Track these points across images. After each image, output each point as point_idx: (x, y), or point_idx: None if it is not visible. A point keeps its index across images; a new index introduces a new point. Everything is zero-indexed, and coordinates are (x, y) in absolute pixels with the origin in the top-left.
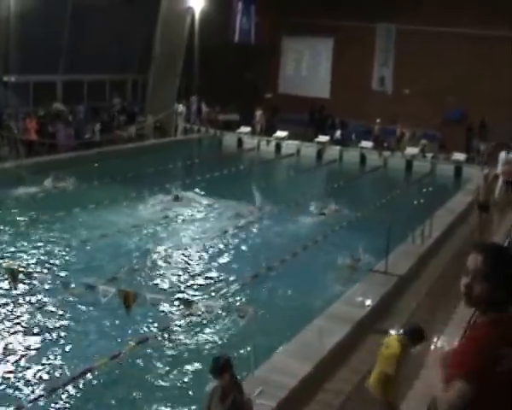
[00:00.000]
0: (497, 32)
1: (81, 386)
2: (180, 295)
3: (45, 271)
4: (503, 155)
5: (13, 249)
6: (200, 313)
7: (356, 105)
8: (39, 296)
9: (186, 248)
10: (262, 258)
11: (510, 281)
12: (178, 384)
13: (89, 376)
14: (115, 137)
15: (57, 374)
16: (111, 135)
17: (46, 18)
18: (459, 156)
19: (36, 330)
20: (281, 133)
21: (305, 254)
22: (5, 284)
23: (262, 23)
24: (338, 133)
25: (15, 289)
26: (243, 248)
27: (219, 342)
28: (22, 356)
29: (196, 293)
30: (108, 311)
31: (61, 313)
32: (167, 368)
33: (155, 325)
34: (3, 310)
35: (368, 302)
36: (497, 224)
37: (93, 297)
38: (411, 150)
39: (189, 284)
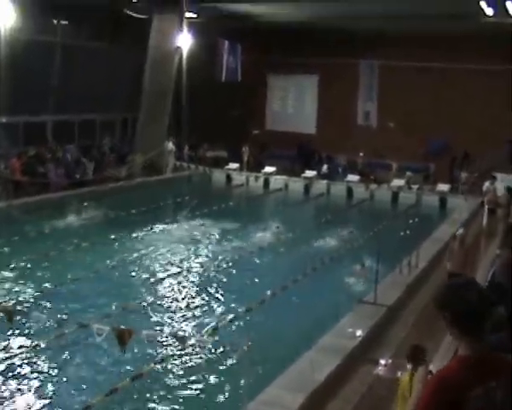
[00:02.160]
0: (479, 66)
1: None
2: (173, 330)
3: (37, 310)
4: (487, 184)
5: (7, 287)
6: (192, 348)
7: (342, 140)
8: (32, 336)
9: (177, 283)
10: (253, 291)
11: (458, 319)
12: None
13: None
14: (106, 177)
15: None
16: (102, 174)
17: (35, 59)
18: (443, 187)
19: (29, 369)
20: (269, 169)
21: (295, 287)
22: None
23: (248, 62)
24: (325, 168)
25: (11, 328)
26: (234, 281)
27: (212, 377)
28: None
29: (188, 327)
30: (101, 348)
31: (55, 351)
32: (159, 404)
33: (148, 358)
34: None
35: (358, 333)
36: (482, 252)
37: (87, 335)
38: (397, 182)
39: (180, 318)
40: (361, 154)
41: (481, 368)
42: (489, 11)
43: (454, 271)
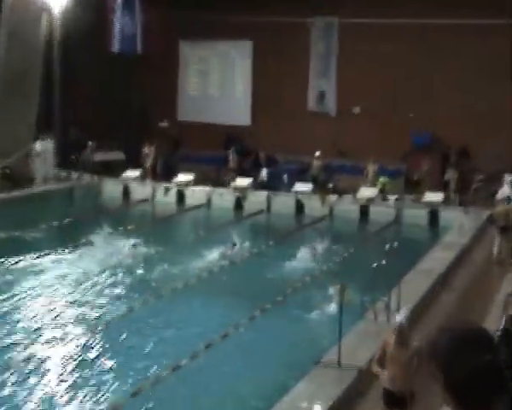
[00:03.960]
0: (477, 20)
1: None
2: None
3: None
4: (504, 190)
5: None
6: None
7: (287, 134)
8: None
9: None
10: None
11: (455, 388)
12: None
13: None
14: None
15: None
16: None
17: None
18: (433, 196)
19: None
20: (184, 177)
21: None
22: None
23: (151, 24)
24: (264, 174)
25: None
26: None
27: None
28: None
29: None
30: None
31: None
32: None
33: None
34: None
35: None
36: (492, 289)
37: None
38: (366, 192)
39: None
40: (317, 153)
41: None
42: None
43: (388, 388)
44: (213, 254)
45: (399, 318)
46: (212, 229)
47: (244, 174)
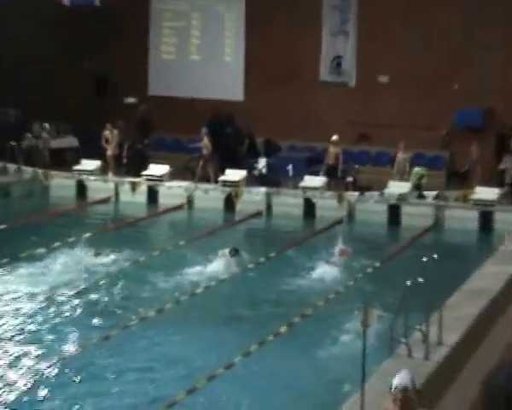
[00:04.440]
0: None
1: None
2: None
3: None
4: None
5: None
6: None
7: (292, 112)
8: None
9: None
10: None
11: None
12: None
13: None
14: None
15: None
16: None
17: None
18: (485, 193)
19: None
20: (157, 169)
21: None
22: None
23: None
24: (262, 164)
25: None
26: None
27: None
28: None
29: None
30: None
31: None
32: None
33: None
34: None
35: None
36: None
37: None
38: (396, 187)
39: None
40: (334, 138)
41: None
42: None
43: None
44: (194, 270)
45: (402, 379)
46: (194, 238)
47: (227, 164)
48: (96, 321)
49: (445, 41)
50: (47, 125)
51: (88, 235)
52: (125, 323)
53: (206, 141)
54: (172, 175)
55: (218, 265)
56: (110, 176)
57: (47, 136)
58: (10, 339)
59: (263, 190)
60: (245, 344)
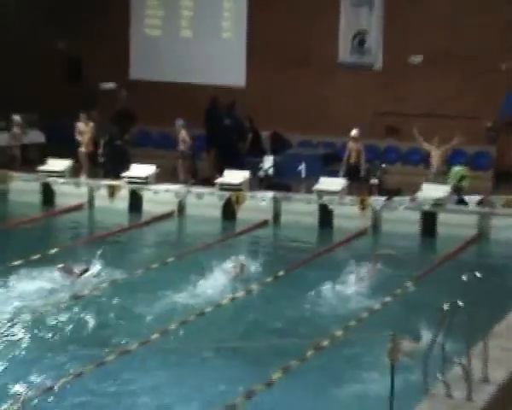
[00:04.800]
0: None
1: None
2: None
3: None
4: None
5: None
6: None
7: (305, 101)
8: None
9: None
10: None
11: None
12: None
13: None
14: None
15: None
16: None
17: None
18: None
19: None
20: (141, 170)
21: None
22: None
23: None
24: (268, 163)
25: None
26: None
27: None
28: None
29: None
30: None
31: None
32: None
33: None
34: None
35: None
36: None
37: None
38: (431, 191)
39: None
40: (353, 132)
41: None
42: None
43: None
44: (185, 293)
45: None
46: (186, 253)
47: (226, 163)
48: (59, 359)
49: (493, 15)
50: (18, 117)
51: (55, 250)
52: (98, 360)
53: (183, 134)
54: (159, 177)
55: (217, 283)
56: (83, 178)
57: (18, 131)
58: None
59: (269, 194)
60: (247, 383)
